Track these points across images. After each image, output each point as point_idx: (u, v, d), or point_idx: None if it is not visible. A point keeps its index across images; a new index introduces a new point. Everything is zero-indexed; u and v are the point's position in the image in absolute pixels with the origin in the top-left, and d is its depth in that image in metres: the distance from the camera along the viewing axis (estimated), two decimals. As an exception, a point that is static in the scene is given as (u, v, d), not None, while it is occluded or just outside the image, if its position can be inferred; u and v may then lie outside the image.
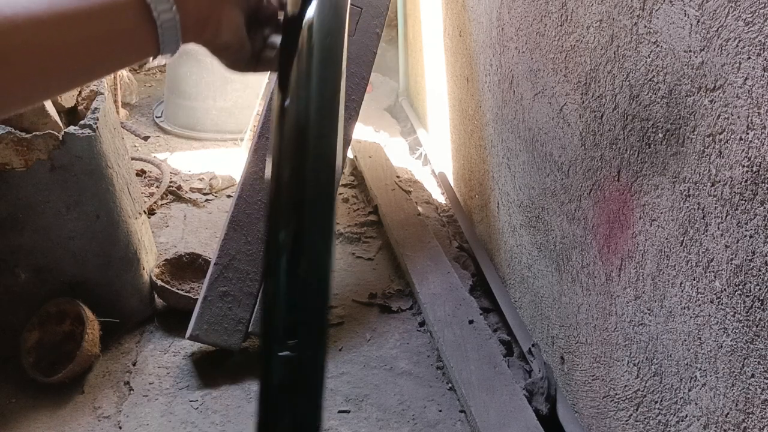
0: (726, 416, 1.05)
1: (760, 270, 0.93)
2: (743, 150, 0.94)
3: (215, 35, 0.59)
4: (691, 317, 1.11)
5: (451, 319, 2.04)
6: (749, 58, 0.91)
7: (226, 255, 1.99)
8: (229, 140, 3.43)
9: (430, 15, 2.88)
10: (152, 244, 2.36)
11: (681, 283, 1.13)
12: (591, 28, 1.35)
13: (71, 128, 1.85)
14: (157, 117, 3.68)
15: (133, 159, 2.75)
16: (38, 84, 0.50)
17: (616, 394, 1.42)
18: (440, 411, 1.83)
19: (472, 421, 1.73)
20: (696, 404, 1.13)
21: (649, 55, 1.15)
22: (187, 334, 1.94)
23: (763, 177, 0.91)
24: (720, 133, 0.99)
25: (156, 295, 2.18)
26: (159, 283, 2.13)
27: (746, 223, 0.95)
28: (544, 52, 1.59)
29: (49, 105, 1.91)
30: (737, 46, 0.93)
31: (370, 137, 3.35)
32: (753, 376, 0.97)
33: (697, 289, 1.09)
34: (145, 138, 3.10)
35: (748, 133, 0.93)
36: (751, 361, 0.98)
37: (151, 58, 0.56)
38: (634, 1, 1.18)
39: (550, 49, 1.56)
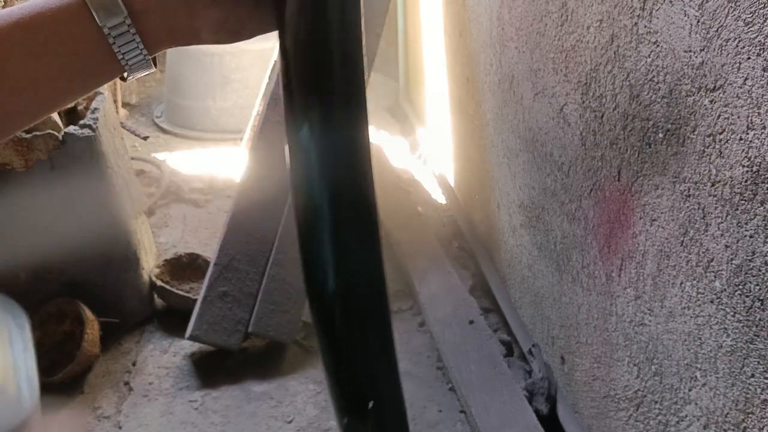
0: (726, 416, 1.05)
1: (760, 270, 0.93)
2: (743, 150, 0.94)
3: (195, 37, 0.52)
4: (691, 317, 1.11)
5: (451, 319, 2.04)
6: (749, 58, 0.91)
7: (226, 255, 1.99)
8: (229, 140, 3.42)
9: (430, 15, 2.88)
10: (152, 244, 2.36)
11: (681, 283, 1.13)
12: (591, 28, 1.35)
13: (71, 128, 1.85)
14: (156, 117, 3.67)
15: (132, 159, 2.75)
16: None
17: (616, 394, 1.42)
18: (440, 411, 1.83)
19: (473, 421, 1.73)
20: (696, 404, 1.13)
21: (649, 55, 1.15)
22: (187, 334, 1.94)
23: (763, 177, 0.91)
24: (720, 133, 0.99)
25: (156, 296, 2.18)
26: (159, 283, 2.13)
27: (746, 223, 0.95)
28: (545, 51, 1.59)
29: (48, 105, 1.90)
30: (737, 46, 0.93)
31: (369, 137, 3.34)
32: (753, 376, 0.97)
33: (698, 289, 1.08)
34: (145, 138, 3.10)
35: (748, 133, 0.93)
36: (751, 361, 0.97)
37: (123, 75, 0.52)
38: (634, 1, 1.17)
39: (551, 49, 1.56)
